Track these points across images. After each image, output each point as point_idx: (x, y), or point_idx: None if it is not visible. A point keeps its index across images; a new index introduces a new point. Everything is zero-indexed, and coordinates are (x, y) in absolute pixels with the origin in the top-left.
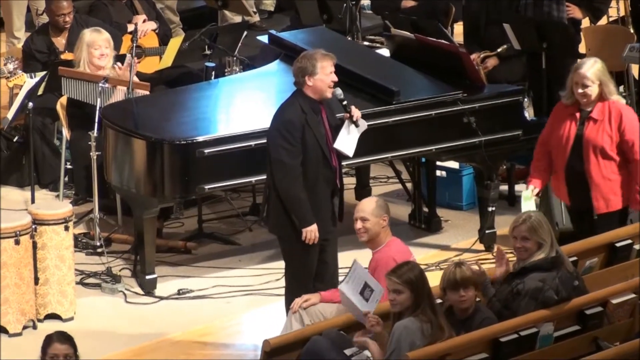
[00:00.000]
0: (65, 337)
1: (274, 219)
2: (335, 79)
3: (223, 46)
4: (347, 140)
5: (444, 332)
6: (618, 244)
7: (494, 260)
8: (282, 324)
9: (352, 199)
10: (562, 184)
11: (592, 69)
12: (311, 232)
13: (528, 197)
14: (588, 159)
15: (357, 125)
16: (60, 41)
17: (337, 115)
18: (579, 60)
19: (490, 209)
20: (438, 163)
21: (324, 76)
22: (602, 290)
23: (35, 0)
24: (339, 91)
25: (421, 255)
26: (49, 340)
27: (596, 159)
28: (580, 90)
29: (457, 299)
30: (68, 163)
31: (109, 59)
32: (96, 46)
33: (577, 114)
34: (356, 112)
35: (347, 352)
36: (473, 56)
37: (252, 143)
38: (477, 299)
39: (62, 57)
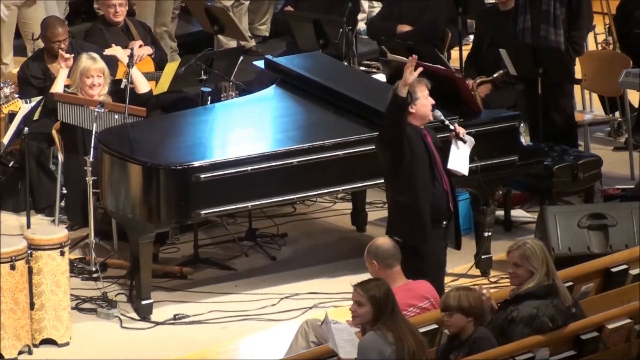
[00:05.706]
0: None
1: (394, 222)
2: (433, 101)
3: (219, 71)
4: (459, 159)
5: (421, 344)
6: (613, 269)
7: (490, 286)
8: (279, 349)
9: (347, 223)
10: None
11: None
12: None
13: None
14: None
15: (464, 142)
16: (55, 67)
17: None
18: None
19: (486, 234)
20: None
21: (424, 100)
22: (597, 315)
23: (27, 24)
24: (438, 112)
25: None
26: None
27: None
28: None
29: (444, 321)
30: (64, 188)
31: (101, 88)
32: (88, 75)
33: None
34: (460, 129)
35: None
36: (469, 82)
37: (249, 168)
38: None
39: None
